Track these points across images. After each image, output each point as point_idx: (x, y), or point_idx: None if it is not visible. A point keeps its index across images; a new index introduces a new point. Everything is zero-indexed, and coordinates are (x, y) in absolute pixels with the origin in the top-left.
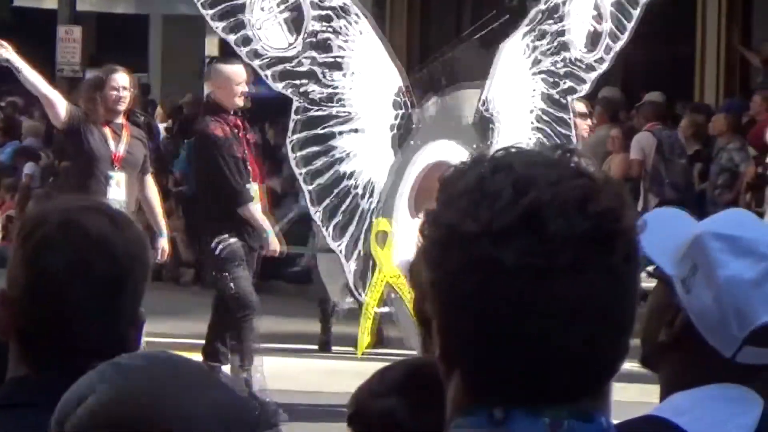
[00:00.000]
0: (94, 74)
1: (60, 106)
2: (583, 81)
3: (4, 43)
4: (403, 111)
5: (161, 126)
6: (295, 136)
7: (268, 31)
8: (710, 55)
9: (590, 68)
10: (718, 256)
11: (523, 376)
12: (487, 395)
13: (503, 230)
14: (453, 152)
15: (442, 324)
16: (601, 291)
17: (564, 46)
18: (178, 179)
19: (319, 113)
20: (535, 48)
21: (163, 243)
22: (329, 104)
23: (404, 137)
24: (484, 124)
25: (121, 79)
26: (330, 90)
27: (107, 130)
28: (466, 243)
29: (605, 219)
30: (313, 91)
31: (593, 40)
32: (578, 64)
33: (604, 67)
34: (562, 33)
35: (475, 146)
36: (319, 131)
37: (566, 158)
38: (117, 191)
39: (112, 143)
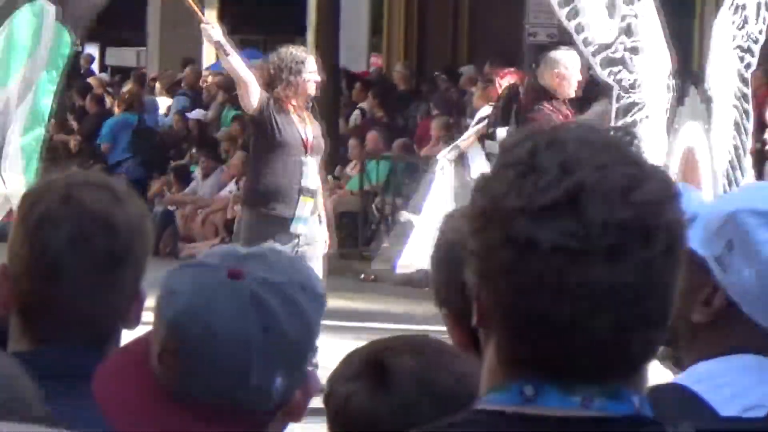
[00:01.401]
0: (288, 56)
1: (254, 92)
2: (754, 54)
3: (215, 25)
4: (671, 94)
5: (159, 100)
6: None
7: (593, 16)
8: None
9: (756, 41)
10: (757, 233)
11: (552, 355)
12: (519, 370)
13: (543, 209)
14: (701, 134)
15: (478, 293)
16: (634, 282)
17: (746, 20)
18: None
19: (629, 100)
20: (732, 22)
21: (325, 232)
22: (633, 90)
23: (670, 121)
24: (707, 104)
25: (314, 64)
26: (634, 76)
27: (295, 117)
28: (506, 218)
29: (648, 209)
30: (624, 78)
31: (757, 11)
32: (752, 37)
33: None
34: (744, 6)
35: (706, 127)
36: (628, 119)
37: (621, 142)
38: (310, 178)
39: (301, 129)
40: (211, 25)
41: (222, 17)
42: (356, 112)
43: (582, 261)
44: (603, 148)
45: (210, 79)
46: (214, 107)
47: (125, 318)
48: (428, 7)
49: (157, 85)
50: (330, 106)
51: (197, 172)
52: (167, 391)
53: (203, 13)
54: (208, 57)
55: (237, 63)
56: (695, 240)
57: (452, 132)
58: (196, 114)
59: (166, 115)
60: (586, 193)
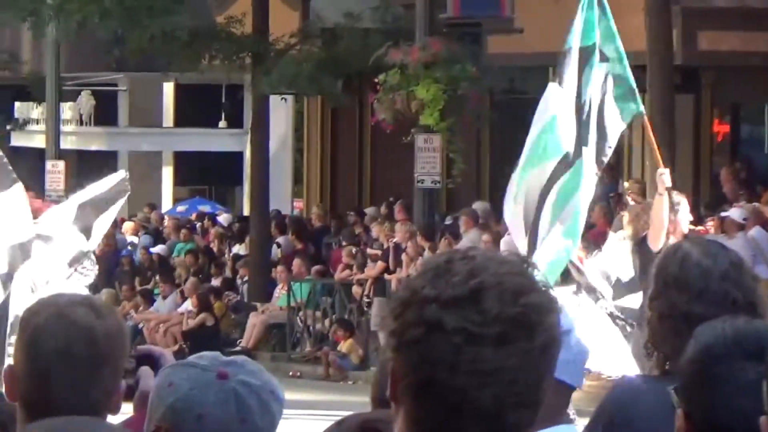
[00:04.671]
0: None
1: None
2: None
3: (667, 172)
4: None
5: (128, 238)
6: None
7: None
8: None
9: None
10: None
11: (445, 422)
12: None
13: (451, 300)
14: None
15: (393, 368)
16: (515, 366)
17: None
18: None
19: None
20: None
21: None
22: None
23: None
24: None
25: None
26: None
27: None
28: (421, 304)
29: (532, 311)
30: None
31: None
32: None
33: None
34: None
35: None
36: None
37: (517, 261)
38: None
39: None
40: (666, 172)
41: (176, 171)
42: (274, 246)
43: (476, 343)
44: (503, 263)
45: (167, 221)
46: (170, 243)
47: (108, 407)
48: (338, 161)
49: (127, 224)
50: (263, 241)
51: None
52: None
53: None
54: (165, 203)
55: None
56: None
57: (358, 259)
58: (158, 249)
59: (133, 249)
60: (486, 291)
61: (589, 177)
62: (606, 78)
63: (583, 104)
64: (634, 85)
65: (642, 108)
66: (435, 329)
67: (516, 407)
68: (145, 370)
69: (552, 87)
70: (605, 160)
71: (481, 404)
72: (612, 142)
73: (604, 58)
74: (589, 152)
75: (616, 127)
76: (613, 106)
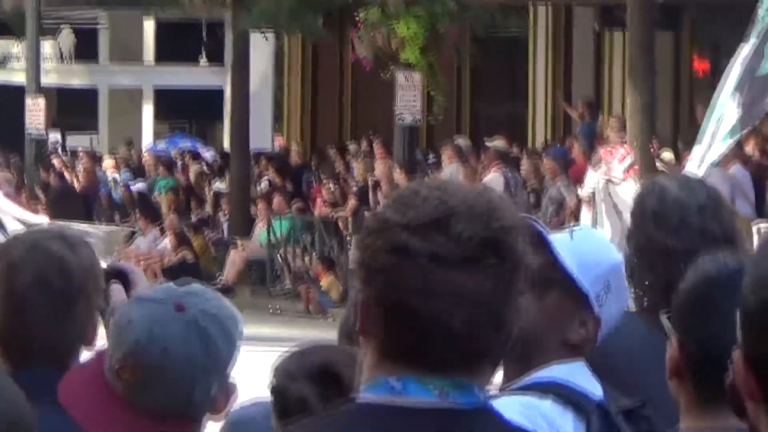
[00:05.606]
0: None
1: None
2: None
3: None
4: None
5: (109, 174)
6: None
7: None
8: (539, 110)
9: None
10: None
11: (416, 347)
12: (389, 367)
13: (420, 225)
14: None
15: (362, 299)
16: (486, 287)
17: None
18: None
19: None
20: None
21: None
22: None
23: None
24: None
25: None
26: None
27: None
28: (390, 231)
29: (502, 233)
30: None
31: None
32: None
33: None
34: None
35: None
36: None
37: (486, 189)
38: None
39: None
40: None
41: (157, 107)
42: (265, 182)
43: (447, 266)
44: (472, 190)
45: (147, 156)
46: (150, 179)
47: (83, 340)
48: (319, 98)
49: (107, 161)
50: (243, 178)
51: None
52: (122, 399)
53: None
54: (146, 139)
55: None
56: (585, 278)
57: (336, 195)
58: (138, 185)
59: (113, 186)
60: (455, 216)
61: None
62: None
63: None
64: None
65: None
66: (404, 255)
67: (488, 330)
68: (117, 288)
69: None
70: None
71: (452, 328)
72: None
73: None
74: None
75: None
76: None
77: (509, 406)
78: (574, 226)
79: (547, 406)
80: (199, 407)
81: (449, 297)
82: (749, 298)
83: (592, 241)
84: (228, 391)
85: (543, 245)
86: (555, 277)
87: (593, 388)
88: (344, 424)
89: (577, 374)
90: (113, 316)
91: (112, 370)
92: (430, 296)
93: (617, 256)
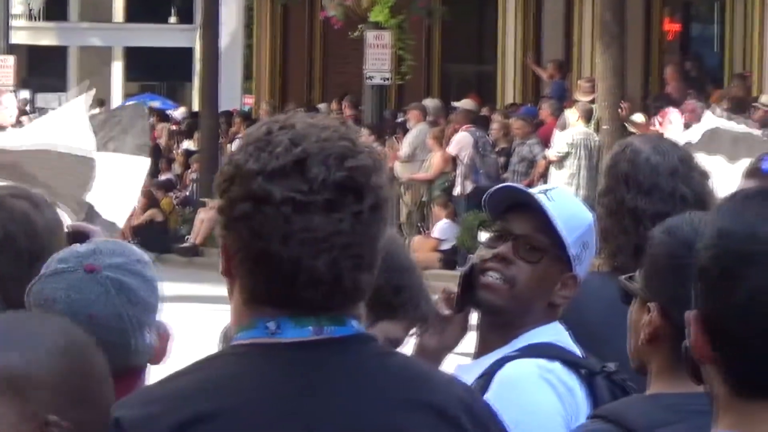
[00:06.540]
0: None
1: None
2: None
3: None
4: None
5: None
6: None
7: None
8: (509, 71)
9: None
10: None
11: (283, 291)
12: (261, 310)
13: (275, 171)
14: None
15: (224, 245)
16: (347, 230)
17: None
18: None
19: None
20: None
21: None
22: None
23: None
24: None
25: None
26: None
27: None
28: (246, 178)
29: (359, 173)
30: None
31: None
32: None
33: None
34: None
35: None
36: None
37: (339, 125)
38: None
39: None
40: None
41: (127, 67)
42: (237, 141)
43: (305, 211)
44: (324, 129)
45: None
46: None
47: None
48: (289, 57)
49: None
50: (212, 138)
51: None
52: None
53: None
54: (116, 99)
55: None
56: (570, 240)
57: None
58: None
59: None
60: (310, 159)
61: None
62: None
63: None
64: None
65: None
66: (262, 202)
67: (352, 270)
68: None
69: None
70: None
71: (316, 271)
72: None
73: None
74: None
75: None
76: None
77: (529, 370)
78: (544, 186)
79: (559, 368)
80: (140, 358)
81: (311, 242)
82: (702, 255)
83: (570, 203)
84: (163, 336)
85: (535, 210)
86: (544, 241)
87: (577, 350)
88: (227, 367)
89: (562, 336)
90: (29, 297)
91: None
92: (290, 241)
93: (590, 214)
